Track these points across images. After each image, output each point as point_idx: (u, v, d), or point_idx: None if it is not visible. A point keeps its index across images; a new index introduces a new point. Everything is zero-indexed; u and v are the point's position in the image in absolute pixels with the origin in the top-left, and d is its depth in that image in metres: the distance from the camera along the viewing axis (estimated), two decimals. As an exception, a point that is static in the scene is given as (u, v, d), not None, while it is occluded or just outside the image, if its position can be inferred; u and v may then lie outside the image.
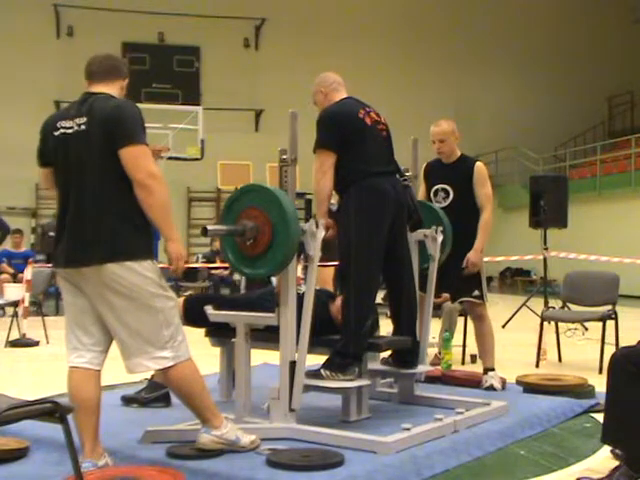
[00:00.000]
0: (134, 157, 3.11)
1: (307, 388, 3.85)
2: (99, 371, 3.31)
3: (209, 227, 3.73)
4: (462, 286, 5.29)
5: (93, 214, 3.16)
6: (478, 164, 5.37)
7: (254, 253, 3.71)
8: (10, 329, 8.04)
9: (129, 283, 3.14)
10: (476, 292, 5.28)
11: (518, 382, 5.15)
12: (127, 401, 4.54)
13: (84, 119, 3.21)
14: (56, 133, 3.28)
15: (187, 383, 3.31)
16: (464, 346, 6.70)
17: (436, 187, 5.33)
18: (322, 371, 3.94)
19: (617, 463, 3.27)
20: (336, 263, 5.56)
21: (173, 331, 3.24)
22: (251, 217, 3.69)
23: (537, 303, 9.43)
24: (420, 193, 5.60)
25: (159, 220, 3.17)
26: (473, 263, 5.13)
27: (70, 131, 3.24)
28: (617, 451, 3.48)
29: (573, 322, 7.40)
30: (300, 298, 3.78)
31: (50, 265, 9.76)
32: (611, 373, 3.24)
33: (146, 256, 3.20)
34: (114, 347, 3.35)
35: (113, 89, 3.36)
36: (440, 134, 5.34)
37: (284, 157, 3.79)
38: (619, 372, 3.18)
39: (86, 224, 3.17)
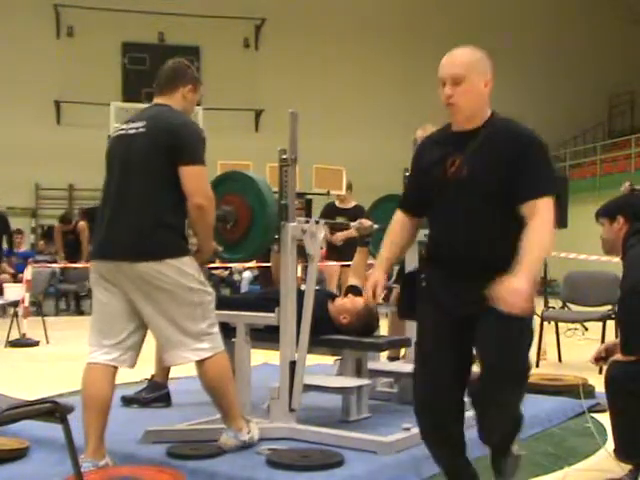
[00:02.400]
0: (194, 176, 3.28)
1: (307, 388, 3.85)
2: (117, 368, 3.33)
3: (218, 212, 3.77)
4: None
5: (138, 212, 3.27)
6: None
7: (234, 237, 3.81)
8: (10, 329, 8.04)
9: (169, 279, 3.24)
10: None
11: (518, 382, 5.14)
12: (127, 401, 4.54)
13: (144, 122, 3.36)
14: (114, 134, 3.48)
15: (224, 374, 3.40)
16: (464, 346, 6.69)
17: None
18: None
19: (618, 462, 3.27)
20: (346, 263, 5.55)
21: (210, 324, 3.36)
22: (230, 203, 3.77)
23: (537, 303, 9.42)
24: None
25: (203, 235, 3.40)
26: None
27: (125, 132, 3.42)
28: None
29: (573, 322, 7.40)
30: (300, 298, 3.78)
31: (50, 265, 9.78)
32: (610, 393, 3.22)
33: (185, 252, 3.32)
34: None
35: (174, 99, 3.49)
36: None
37: (284, 157, 3.79)
38: (618, 391, 3.17)
39: (130, 221, 3.27)
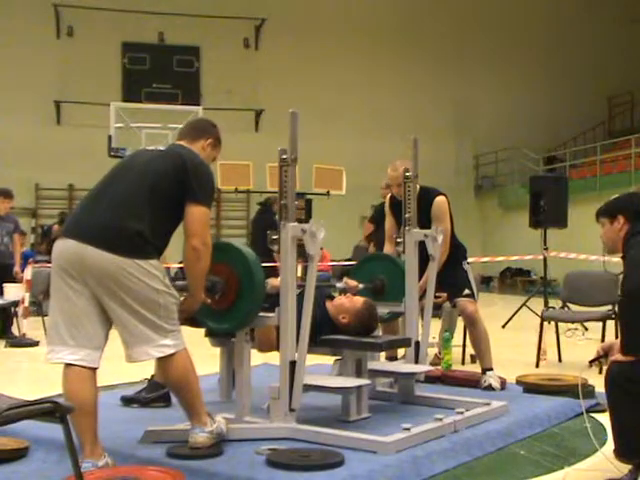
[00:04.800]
0: (198, 217, 3.40)
1: (307, 388, 3.85)
2: (95, 369, 3.31)
3: (178, 282, 3.76)
4: (453, 288, 5.33)
5: (117, 211, 3.31)
6: (437, 199, 5.24)
7: (221, 307, 3.78)
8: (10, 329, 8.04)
9: (135, 278, 3.25)
10: (467, 291, 5.33)
11: (518, 382, 5.15)
12: (127, 401, 4.54)
13: (165, 148, 3.65)
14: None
15: (188, 372, 3.41)
16: (464, 346, 6.69)
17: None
18: None
19: (617, 462, 3.27)
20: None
21: (173, 323, 3.38)
22: (218, 273, 3.73)
23: (537, 303, 9.42)
24: (387, 226, 5.55)
25: (193, 279, 3.48)
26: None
27: (143, 149, 3.76)
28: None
29: (573, 322, 7.39)
30: (299, 298, 3.78)
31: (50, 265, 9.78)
32: (610, 393, 3.22)
33: (152, 256, 3.34)
34: (114, 347, 3.36)
35: (194, 147, 3.67)
36: (399, 178, 5.05)
37: (284, 157, 3.79)
38: (618, 391, 3.16)
39: (106, 215, 3.31)
